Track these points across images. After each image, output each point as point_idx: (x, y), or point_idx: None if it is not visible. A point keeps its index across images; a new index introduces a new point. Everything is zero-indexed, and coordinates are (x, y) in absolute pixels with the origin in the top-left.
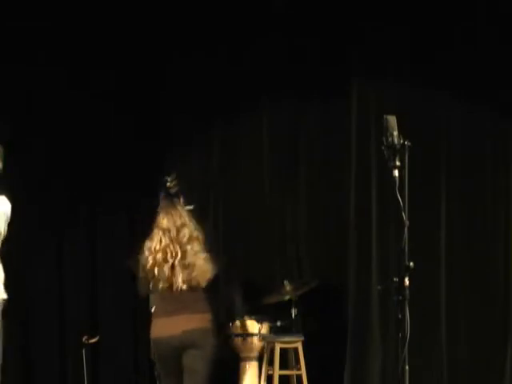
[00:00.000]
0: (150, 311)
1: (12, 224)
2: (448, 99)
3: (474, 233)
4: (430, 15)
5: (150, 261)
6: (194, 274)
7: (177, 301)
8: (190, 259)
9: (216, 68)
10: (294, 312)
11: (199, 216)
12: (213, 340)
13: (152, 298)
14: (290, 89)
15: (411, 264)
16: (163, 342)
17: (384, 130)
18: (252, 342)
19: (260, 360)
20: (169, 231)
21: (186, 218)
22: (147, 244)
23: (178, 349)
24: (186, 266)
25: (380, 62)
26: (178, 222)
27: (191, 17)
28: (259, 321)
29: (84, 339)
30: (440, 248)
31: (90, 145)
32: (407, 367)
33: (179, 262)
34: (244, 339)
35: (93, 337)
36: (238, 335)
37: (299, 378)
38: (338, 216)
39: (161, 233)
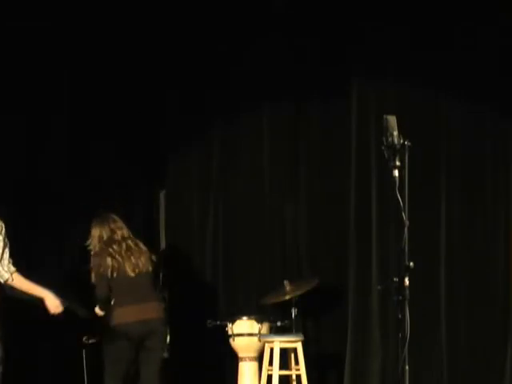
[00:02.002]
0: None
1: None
2: (448, 99)
3: (474, 233)
4: (430, 15)
5: (102, 266)
6: (140, 266)
7: (136, 292)
8: (134, 254)
9: (216, 68)
10: (294, 312)
11: (199, 216)
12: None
13: (112, 294)
14: (290, 89)
15: (411, 264)
16: (128, 328)
17: (384, 130)
18: (252, 342)
19: (260, 360)
20: (103, 237)
21: (120, 223)
22: (93, 260)
23: (141, 335)
24: (132, 262)
25: (380, 61)
26: (113, 226)
27: (192, 16)
28: (259, 321)
29: (84, 339)
30: (440, 248)
31: (89, 144)
32: (407, 367)
33: (124, 258)
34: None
35: (93, 337)
36: (238, 335)
37: (299, 377)
38: (337, 216)
39: (96, 240)
